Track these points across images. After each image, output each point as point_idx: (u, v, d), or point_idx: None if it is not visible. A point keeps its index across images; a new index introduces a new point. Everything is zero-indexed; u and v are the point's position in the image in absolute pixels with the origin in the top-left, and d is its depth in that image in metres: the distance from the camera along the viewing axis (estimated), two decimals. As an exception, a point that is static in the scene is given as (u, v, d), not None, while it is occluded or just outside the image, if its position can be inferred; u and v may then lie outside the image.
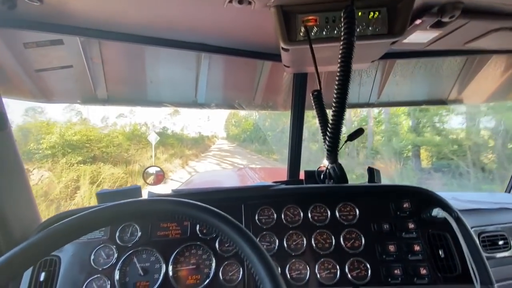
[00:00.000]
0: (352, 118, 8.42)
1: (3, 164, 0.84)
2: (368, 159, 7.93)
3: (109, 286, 0.81)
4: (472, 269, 0.81)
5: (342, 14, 0.72)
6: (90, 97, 1.26)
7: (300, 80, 1.36)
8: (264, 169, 5.83)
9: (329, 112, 0.86)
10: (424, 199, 0.97)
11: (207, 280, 0.84)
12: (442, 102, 1.73)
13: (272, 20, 0.81)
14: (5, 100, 0.87)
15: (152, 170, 1.72)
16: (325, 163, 1.47)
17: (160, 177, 1.74)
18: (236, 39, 1.06)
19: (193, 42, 1.07)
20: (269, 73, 1.45)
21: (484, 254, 0.87)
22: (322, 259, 0.88)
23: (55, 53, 1.06)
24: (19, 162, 0.90)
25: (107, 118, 11.92)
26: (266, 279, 0.46)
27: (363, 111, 8.33)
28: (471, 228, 0.92)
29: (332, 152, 0.86)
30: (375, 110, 8.35)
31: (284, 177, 1.59)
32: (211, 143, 22.11)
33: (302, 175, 1.32)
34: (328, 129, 0.81)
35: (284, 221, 0.95)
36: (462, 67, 1.56)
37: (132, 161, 9.22)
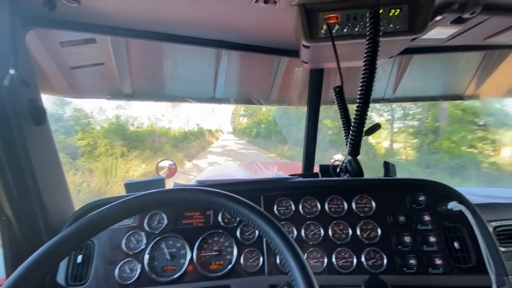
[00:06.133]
0: None
1: (42, 156, 0.89)
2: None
3: (139, 269, 0.87)
4: (488, 259, 0.82)
5: (367, 15, 0.74)
6: (117, 92, 1.32)
7: (316, 76, 1.38)
8: (275, 163, 5.83)
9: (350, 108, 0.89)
10: (440, 193, 0.99)
11: (229, 266, 0.89)
12: (459, 97, 1.72)
13: (293, 18, 0.83)
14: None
15: (165, 163, 1.79)
16: (335, 157, 1.50)
17: (173, 170, 1.80)
18: (256, 36, 1.09)
19: (216, 40, 1.11)
20: (285, 69, 1.48)
21: (499, 247, 0.89)
22: (339, 249, 0.92)
23: (87, 51, 1.11)
24: (56, 154, 0.96)
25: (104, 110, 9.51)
26: (295, 267, 0.48)
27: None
28: (487, 222, 0.93)
29: (355, 145, 0.89)
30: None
31: (294, 171, 1.62)
32: (213, 138, 18.20)
33: (316, 169, 1.35)
34: (352, 123, 0.84)
35: (302, 212, 0.99)
36: (480, 61, 1.54)
37: None
